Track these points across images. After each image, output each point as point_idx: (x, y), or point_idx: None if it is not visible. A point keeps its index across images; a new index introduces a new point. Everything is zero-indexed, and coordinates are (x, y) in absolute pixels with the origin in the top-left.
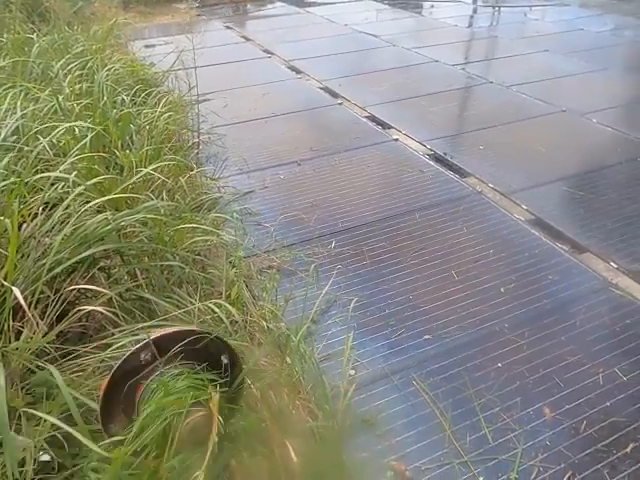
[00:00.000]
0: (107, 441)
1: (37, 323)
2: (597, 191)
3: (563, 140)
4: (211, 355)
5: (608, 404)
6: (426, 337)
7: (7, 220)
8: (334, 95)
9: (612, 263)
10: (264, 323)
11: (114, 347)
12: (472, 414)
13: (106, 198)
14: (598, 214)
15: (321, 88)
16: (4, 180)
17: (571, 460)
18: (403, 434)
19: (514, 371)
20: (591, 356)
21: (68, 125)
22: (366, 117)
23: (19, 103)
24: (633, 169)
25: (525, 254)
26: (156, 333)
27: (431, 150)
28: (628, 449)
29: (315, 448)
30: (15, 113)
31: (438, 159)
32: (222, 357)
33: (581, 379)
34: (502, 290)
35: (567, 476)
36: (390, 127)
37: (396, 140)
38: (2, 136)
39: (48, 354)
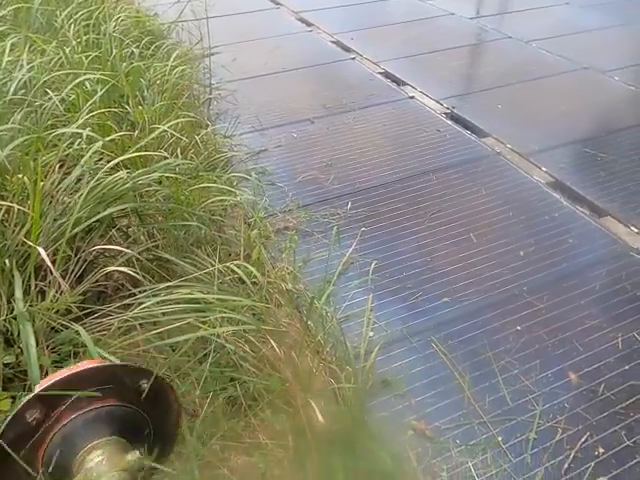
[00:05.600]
0: None
1: (61, 283)
2: (619, 153)
3: (584, 99)
4: (125, 385)
5: (627, 367)
6: (444, 300)
7: (26, 179)
8: (346, 49)
9: (633, 227)
10: (283, 285)
11: (142, 306)
12: (491, 376)
13: (125, 157)
14: (619, 177)
15: (333, 42)
16: (18, 136)
17: (589, 422)
18: (423, 395)
19: (533, 334)
20: (610, 320)
21: (81, 79)
22: (380, 73)
23: (25, 55)
24: None
25: (545, 217)
26: (40, 385)
27: (448, 109)
28: None
29: (337, 408)
30: (22, 66)
31: (455, 118)
32: (141, 383)
33: (600, 343)
34: (521, 253)
35: (585, 437)
36: (405, 84)
37: (412, 98)
38: (12, 90)
39: (70, 312)
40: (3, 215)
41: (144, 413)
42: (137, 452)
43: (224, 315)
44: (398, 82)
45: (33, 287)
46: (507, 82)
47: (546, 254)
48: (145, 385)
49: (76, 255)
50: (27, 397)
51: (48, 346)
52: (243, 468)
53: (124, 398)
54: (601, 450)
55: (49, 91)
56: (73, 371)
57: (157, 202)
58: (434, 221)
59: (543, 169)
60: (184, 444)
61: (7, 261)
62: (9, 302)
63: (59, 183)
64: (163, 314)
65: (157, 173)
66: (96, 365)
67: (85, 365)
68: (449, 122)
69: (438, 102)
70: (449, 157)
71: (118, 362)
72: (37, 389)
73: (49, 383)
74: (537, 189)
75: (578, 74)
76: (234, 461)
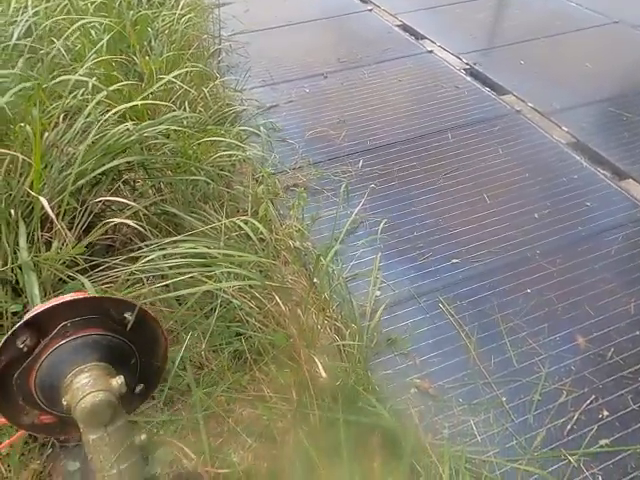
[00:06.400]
0: None
1: (66, 234)
2: None
3: (613, 55)
4: (111, 317)
5: (638, 333)
6: (454, 261)
7: (28, 127)
8: (363, 0)
9: None
10: (291, 242)
11: (145, 260)
12: (498, 337)
13: (128, 105)
14: None
15: None
16: (21, 84)
17: (595, 385)
18: (428, 354)
19: (544, 297)
20: (624, 285)
21: (84, 22)
22: (398, 26)
23: (30, 2)
24: None
25: (563, 179)
26: (30, 312)
27: (467, 64)
28: None
29: (341, 364)
30: (26, 10)
31: (474, 74)
32: (126, 314)
33: (612, 307)
34: (536, 216)
35: (590, 400)
36: (424, 37)
37: (430, 52)
38: (15, 36)
39: (77, 265)
40: (8, 165)
41: (130, 344)
42: (122, 377)
43: (230, 270)
44: (416, 35)
45: (39, 238)
46: (532, 37)
47: (562, 217)
48: (130, 317)
49: (82, 207)
50: (17, 324)
51: (56, 296)
52: (247, 419)
53: (110, 329)
54: (605, 413)
55: (55, 40)
56: (60, 301)
57: (164, 155)
58: (448, 181)
59: (564, 129)
60: (190, 395)
61: (12, 211)
62: (15, 252)
63: (64, 134)
64: (170, 268)
65: (164, 125)
66: (83, 296)
67: (72, 296)
68: (468, 78)
69: (457, 57)
70: (467, 115)
71: (96, 295)
72: (26, 317)
73: (37, 311)
74: (557, 149)
75: (607, 29)
76: (239, 412)
